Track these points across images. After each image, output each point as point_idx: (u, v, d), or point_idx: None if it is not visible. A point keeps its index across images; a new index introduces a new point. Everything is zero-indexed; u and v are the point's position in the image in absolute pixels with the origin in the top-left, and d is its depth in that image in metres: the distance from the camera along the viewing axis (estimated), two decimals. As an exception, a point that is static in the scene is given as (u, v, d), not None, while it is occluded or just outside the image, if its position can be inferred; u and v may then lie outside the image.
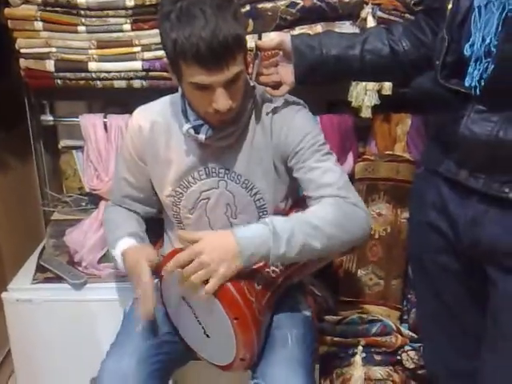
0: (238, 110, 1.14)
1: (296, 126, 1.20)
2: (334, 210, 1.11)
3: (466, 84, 0.97)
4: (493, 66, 0.93)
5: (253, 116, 1.22)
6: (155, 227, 1.41)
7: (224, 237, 1.08)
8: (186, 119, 1.19)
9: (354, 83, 1.53)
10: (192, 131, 1.18)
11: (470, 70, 0.96)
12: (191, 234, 1.12)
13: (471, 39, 0.95)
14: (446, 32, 1.00)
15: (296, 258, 1.11)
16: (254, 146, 1.22)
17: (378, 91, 1.53)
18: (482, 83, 0.95)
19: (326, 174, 1.16)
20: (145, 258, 1.18)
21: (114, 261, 1.28)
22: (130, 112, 1.33)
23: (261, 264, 1.16)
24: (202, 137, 1.17)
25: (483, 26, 0.93)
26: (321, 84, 1.29)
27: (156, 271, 1.18)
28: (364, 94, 1.53)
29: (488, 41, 0.93)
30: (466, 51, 0.96)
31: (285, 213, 1.29)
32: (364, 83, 1.52)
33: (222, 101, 1.07)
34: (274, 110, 1.22)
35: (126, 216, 1.35)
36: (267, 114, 1.22)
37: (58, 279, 1.57)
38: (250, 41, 1.21)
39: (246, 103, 1.18)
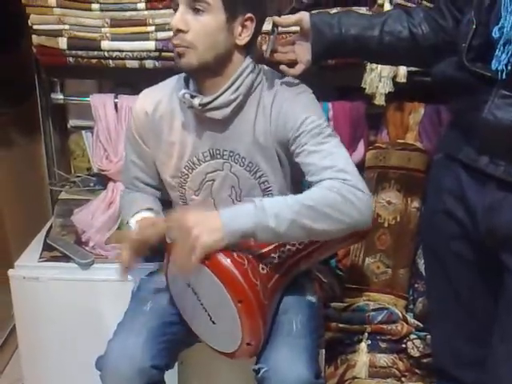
0: (201, 58, 1.12)
1: (294, 112, 1.16)
2: (330, 191, 1.07)
3: (493, 67, 0.96)
4: None
5: (256, 97, 1.19)
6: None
7: (209, 213, 1.09)
8: (186, 86, 1.20)
9: (368, 69, 1.52)
10: (188, 96, 1.17)
11: (498, 53, 0.95)
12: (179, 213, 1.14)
13: (501, 22, 0.94)
14: (473, 14, 0.99)
15: (287, 234, 1.07)
16: (256, 130, 1.20)
17: (393, 78, 1.51)
18: (509, 67, 0.94)
19: (326, 157, 1.13)
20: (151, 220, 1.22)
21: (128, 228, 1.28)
22: (141, 93, 1.33)
23: (269, 248, 1.16)
24: (196, 102, 1.16)
25: None
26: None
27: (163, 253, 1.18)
28: (378, 81, 1.51)
29: None
30: (495, 34, 0.95)
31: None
32: (379, 70, 1.50)
33: (177, 16, 1.12)
34: (275, 94, 1.19)
35: (143, 195, 1.35)
36: (269, 97, 1.19)
37: (64, 258, 1.57)
38: (267, 22, 1.20)
39: (225, 65, 1.16)
